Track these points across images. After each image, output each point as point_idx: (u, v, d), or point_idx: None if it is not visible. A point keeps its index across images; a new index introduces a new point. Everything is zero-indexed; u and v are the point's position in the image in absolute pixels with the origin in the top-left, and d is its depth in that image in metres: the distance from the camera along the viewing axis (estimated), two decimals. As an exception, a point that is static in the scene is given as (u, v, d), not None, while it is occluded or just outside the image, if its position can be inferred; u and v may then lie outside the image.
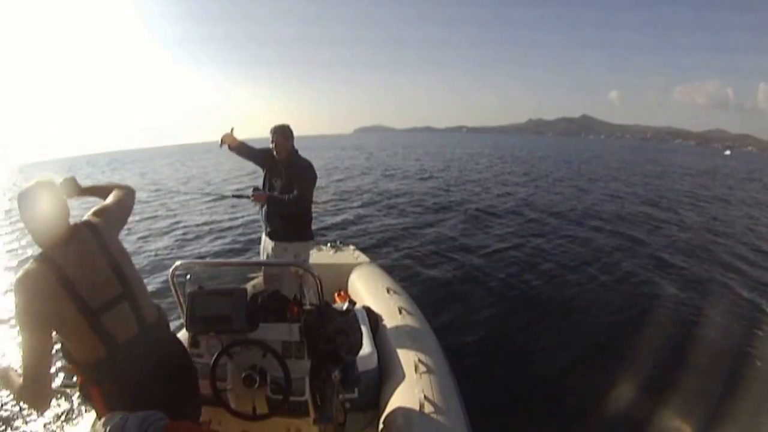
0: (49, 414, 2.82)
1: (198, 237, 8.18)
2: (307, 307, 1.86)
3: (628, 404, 2.91)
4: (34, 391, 1.18)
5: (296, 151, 2.91)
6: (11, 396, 1.96)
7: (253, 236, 7.09)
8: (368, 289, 3.24)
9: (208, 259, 5.88)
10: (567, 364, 3.50)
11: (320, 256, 3.96)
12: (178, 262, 1.88)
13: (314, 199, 3.03)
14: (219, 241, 7.73)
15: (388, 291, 3.10)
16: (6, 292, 5.26)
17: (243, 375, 1.59)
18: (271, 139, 2.82)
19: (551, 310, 4.60)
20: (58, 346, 1.29)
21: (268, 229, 2.98)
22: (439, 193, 12.44)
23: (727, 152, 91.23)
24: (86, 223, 1.37)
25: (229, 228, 8.63)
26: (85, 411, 2.78)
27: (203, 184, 17.22)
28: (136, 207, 1.63)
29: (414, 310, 2.89)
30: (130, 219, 1.63)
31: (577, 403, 2.98)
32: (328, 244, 4.23)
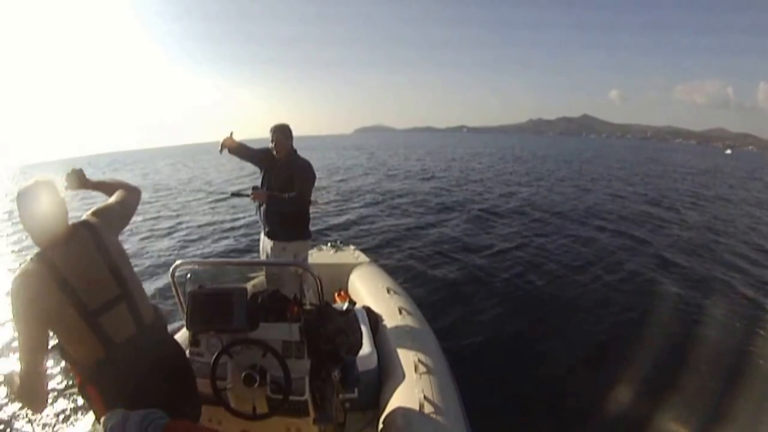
0: (49, 414, 2.82)
1: (201, 238, 8.19)
2: (308, 306, 1.86)
3: (629, 404, 2.90)
4: (30, 389, 1.19)
5: (295, 151, 2.92)
6: (13, 398, 1.96)
7: (256, 237, 7.08)
8: (368, 289, 3.24)
9: (208, 259, 5.88)
10: (568, 364, 3.49)
11: (320, 255, 3.96)
12: (178, 261, 1.88)
13: (315, 199, 3.04)
14: (223, 242, 7.74)
15: (388, 291, 3.10)
16: (8, 293, 5.27)
17: (243, 374, 1.59)
18: (271, 138, 2.83)
19: (553, 310, 4.59)
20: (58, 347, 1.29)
21: (267, 229, 2.99)
22: (442, 193, 12.45)
23: (728, 151, 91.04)
24: (85, 224, 1.37)
25: (231, 228, 8.64)
26: (84, 411, 2.79)
27: (205, 185, 17.24)
28: (138, 207, 1.62)
29: (414, 310, 2.89)
30: (133, 219, 1.62)
31: (578, 403, 2.97)
32: (329, 244, 4.23)
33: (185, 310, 1.75)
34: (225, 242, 7.74)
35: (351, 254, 4.00)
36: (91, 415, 1.67)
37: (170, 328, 1.67)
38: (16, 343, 1.18)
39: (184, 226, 9.26)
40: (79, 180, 1.56)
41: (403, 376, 2.10)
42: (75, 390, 1.40)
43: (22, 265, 1.21)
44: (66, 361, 1.32)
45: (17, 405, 2.91)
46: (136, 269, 1.45)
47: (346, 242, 4.37)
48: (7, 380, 1.24)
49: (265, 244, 3.04)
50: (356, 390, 1.85)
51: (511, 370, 3.41)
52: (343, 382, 1.77)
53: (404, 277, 5.16)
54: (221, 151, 2.87)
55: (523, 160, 28.66)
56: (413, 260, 6.08)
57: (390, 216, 9.36)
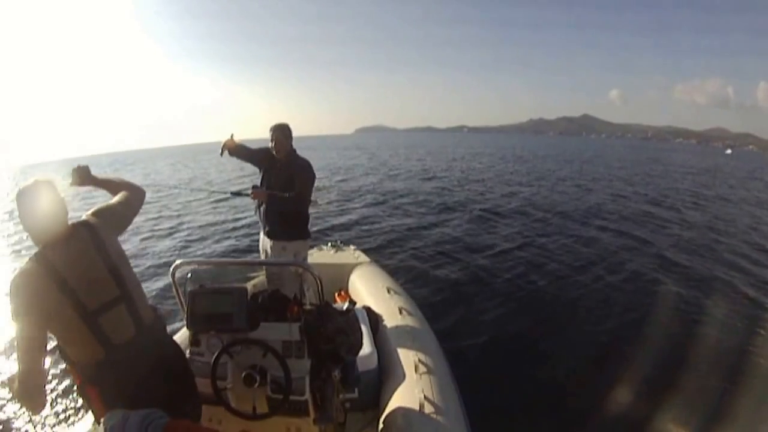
0: (49, 414, 2.82)
1: (202, 238, 8.19)
2: (308, 306, 1.86)
3: (630, 404, 2.90)
4: (29, 389, 1.18)
5: (295, 151, 2.92)
6: (13, 398, 1.96)
7: (256, 237, 7.07)
8: (368, 289, 3.24)
9: (209, 259, 5.88)
10: (568, 364, 3.48)
11: (321, 255, 3.96)
12: (178, 261, 1.88)
13: (315, 199, 3.04)
14: (224, 242, 7.73)
15: (388, 291, 3.10)
16: (7, 293, 5.28)
17: (243, 374, 1.59)
18: (270, 137, 2.83)
19: (554, 310, 4.59)
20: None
21: (267, 228, 2.99)
22: (443, 193, 12.44)
23: (728, 151, 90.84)
24: (85, 224, 1.37)
25: (233, 229, 8.64)
26: (84, 411, 2.78)
27: (205, 185, 17.25)
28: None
29: (414, 310, 2.89)
30: (134, 219, 1.61)
31: (579, 403, 2.96)
32: (329, 244, 4.23)
33: (185, 309, 1.75)
34: (226, 242, 7.73)
35: (351, 254, 4.00)
36: (91, 415, 1.67)
37: (170, 328, 1.67)
38: (15, 343, 1.18)
39: (185, 226, 9.26)
40: (85, 175, 1.56)
41: (404, 376, 2.10)
42: (75, 390, 1.39)
43: (22, 265, 1.21)
44: (66, 362, 1.32)
45: (17, 405, 2.92)
46: (136, 269, 1.45)
47: (346, 242, 4.37)
48: (7, 380, 1.24)
49: (265, 243, 3.04)
50: (356, 390, 1.85)
51: (512, 371, 3.40)
52: (344, 382, 1.77)
53: (405, 277, 5.16)
54: (222, 153, 2.88)
55: (523, 159, 28.64)
56: (414, 260, 6.08)
57: (391, 216, 9.35)
